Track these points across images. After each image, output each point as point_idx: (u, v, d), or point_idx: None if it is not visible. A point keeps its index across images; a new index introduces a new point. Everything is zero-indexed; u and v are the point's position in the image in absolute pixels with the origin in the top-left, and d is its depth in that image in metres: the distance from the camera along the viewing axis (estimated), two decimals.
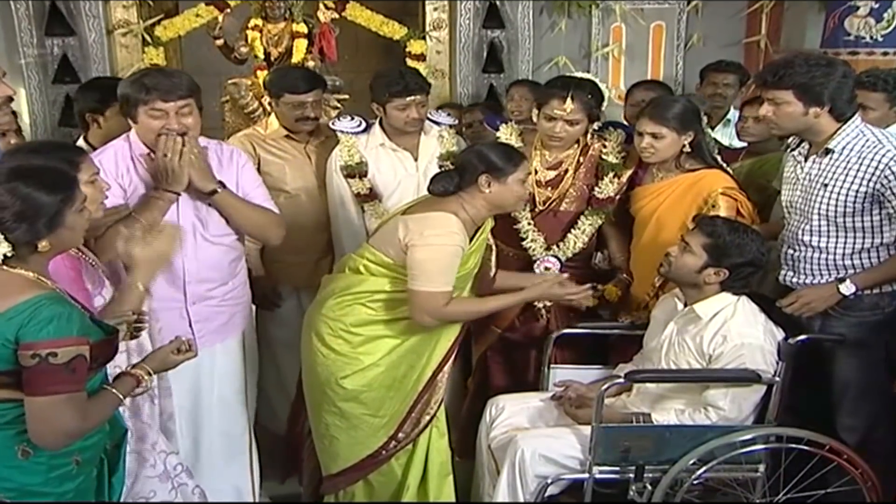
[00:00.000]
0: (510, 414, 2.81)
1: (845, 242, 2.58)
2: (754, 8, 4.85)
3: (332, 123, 3.32)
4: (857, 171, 2.49)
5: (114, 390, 1.89)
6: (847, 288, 2.56)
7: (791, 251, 2.70)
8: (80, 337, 1.73)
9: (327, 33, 4.49)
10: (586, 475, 2.54)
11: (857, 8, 4.21)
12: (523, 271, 3.00)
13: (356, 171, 3.20)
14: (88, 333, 1.77)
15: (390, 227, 2.58)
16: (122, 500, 2.08)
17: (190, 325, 2.65)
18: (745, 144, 3.47)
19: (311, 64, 4.39)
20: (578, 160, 3.03)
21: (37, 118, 4.35)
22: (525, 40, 4.65)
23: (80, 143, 2.98)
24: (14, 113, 2.98)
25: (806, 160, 2.64)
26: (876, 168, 2.46)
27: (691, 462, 2.51)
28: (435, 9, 4.63)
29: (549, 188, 3.03)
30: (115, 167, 2.55)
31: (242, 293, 2.83)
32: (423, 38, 4.63)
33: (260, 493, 2.99)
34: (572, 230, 3.03)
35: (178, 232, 2.26)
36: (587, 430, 2.54)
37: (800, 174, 2.66)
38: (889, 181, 2.45)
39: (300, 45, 4.42)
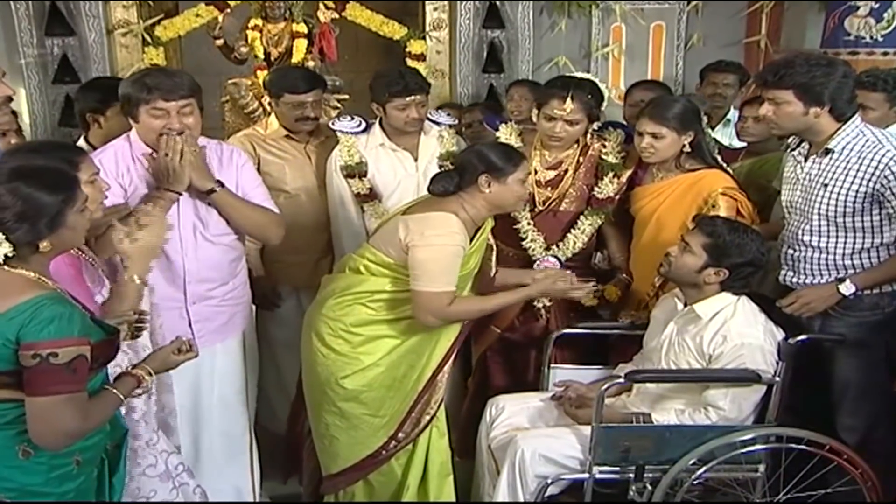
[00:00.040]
0: (510, 414, 2.81)
1: (845, 242, 2.58)
2: (754, 8, 4.86)
3: (332, 123, 3.32)
4: (857, 171, 2.49)
5: (114, 390, 1.89)
6: (847, 288, 2.56)
7: (791, 251, 2.70)
8: (81, 337, 1.73)
9: (327, 33, 4.49)
10: (586, 475, 2.54)
11: (857, 8, 4.21)
12: None
13: (356, 171, 3.20)
14: (89, 333, 1.77)
15: (391, 227, 2.58)
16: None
17: (190, 325, 2.65)
18: (744, 144, 3.47)
19: (311, 64, 4.39)
20: (578, 160, 3.03)
21: (37, 118, 4.36)
22: (525, 40, 4.66)
23: (81, 143, 2.98)
24: (14, 113, 2.98)
25: (806, 160, 2.64)
26: (876, 168, 2.46)
27: (691, 462, 2.51)
28: (435, 9, 4.63)
29: (549, 188, 3.03)
30: (116, 166, 2.55)
31: (243, 293, 2.83)
32: (423, 38, 4.64)
33: (260, 493, 2.99)
34: (572, 230, 3.03)
35: (165, 221, 2.25)
36: (587, 430, 2.54)
37: (800, 174, 2.66)
38: (889, 181, 2.45)
39: (300, 45, 4.43)
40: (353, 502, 2.79)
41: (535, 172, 2.98)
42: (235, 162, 2.75)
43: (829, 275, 2.62)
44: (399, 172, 3.24)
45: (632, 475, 2.55)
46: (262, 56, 4.43)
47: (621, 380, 2.61)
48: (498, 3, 4.59)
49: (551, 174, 3.03)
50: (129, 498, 2.19)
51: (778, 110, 2.54)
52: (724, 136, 3.80)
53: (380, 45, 5.43)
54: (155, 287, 2.51)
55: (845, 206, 2.53)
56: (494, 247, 2.80)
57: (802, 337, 2.56)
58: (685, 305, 2.65)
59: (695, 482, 2.55)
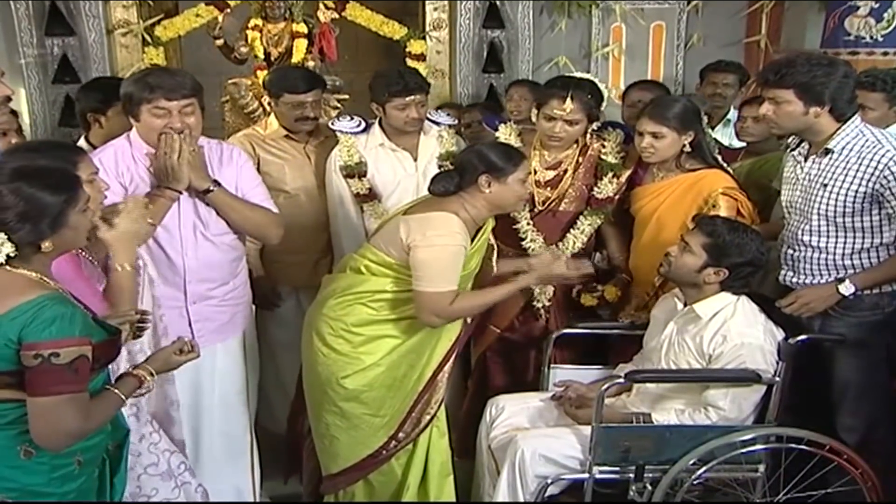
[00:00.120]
0: (510, 414, 2.81)
1: (845, 242, 2.58)
2: (754, 8, 4.86)
3: (332, 123, 3.33)
4: (857, 171, 2.49)
5: (116, 391, 1.89)
6: (846, 288, 2.56)
7: (791, 251, 2.70)
8: (83, 337, 1.73)
9: (327, 33, 4.49)
10: (586, 475, 2.54)
11: (857, 8, 4.21)
12: None
13: (355, 171, 3.20)
14: (91, 334, 1.77)
15: (392, 227, 2.58)
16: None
17: (190, 325, 2.65)
18: (743, 144, 3.47)
19: (311, 64, 4.39)
20: (577, 160, 3.03)
21: (37, 118, 4.36)
22: (525, 40, 4.66)
23: (82, 143, 2.99)
24: (14, 112, 2.98)
25: (806, 160, 2.64)
26: (875, 168, 2.46)
27: (691, 462, 2.51)
28: (435, 9, 4.63)
29: (549, 188, 3.03)
30: (116, 165, 2.55)
31: (243, 293, 2.83)
32: (423, 38, 4.64)
33: (260, 493, 2.99)
34: (571, 230, 3.03)
35: (139, 204, 2.24)
36: (587, 430, 2.54)
37: (799, 174, 2.66)
38: (889, 181, 2.45)
39: (300, 45, 4.43)
40: (354, 502, 2.79)
41: (535, 172, 2.98)
42: (235, 161, 2.75)
43: (829, 275, 2.62)
44: (399, 172, 3.24)
45: (632, 475, 2.56)
46: (262, 56, 4.43)
47: (621, 380, 2.61)
48: (498, 3, 4.59)
49: (551, 174, 3.03)
50: (130, 497, 2.19)
51: (778, 110, 2.54)
52: (724, 136, 3.80)
53: (380, 45, 5.44)
54: (155, 285, 2.51)
55: (845, 206, 2.53)
56: (495, 246, 2.80)
57: (802, 337, 2.56)
58: (685, 305, 2.65)
59: (695, 482, 2.55)
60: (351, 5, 4.54)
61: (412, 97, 3.12)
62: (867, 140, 2.51)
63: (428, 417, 2.72)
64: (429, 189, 2.58)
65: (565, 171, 3.02)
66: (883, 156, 2.46)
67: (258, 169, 3.07)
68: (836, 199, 2.53)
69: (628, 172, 3.05)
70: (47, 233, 1.75)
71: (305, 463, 2.97)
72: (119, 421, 2.05)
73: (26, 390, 1.71)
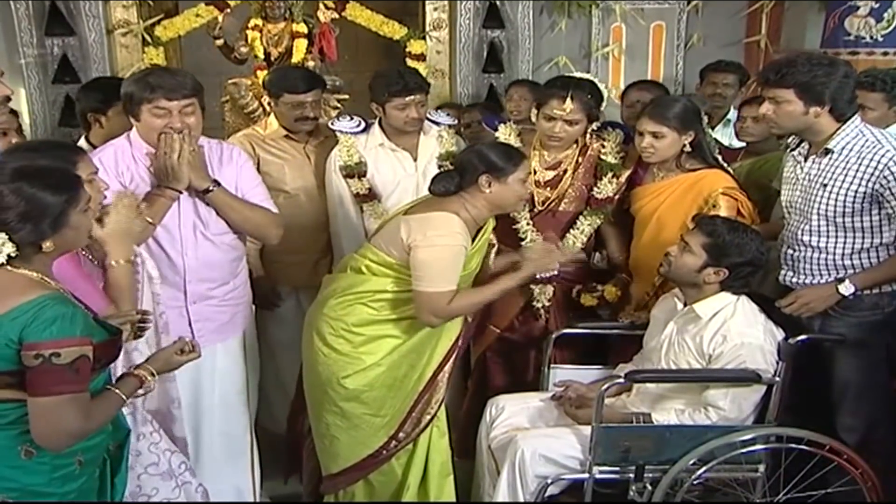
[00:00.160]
0: (510, 414, 2.81)
1: (845, 242, 2.59)
2: (754, 8, 4.86)
3: (332, 123, 3.33)
4: (857, 171, 2.49)
5: (117, 391, 1.89)
6: (846, 288, 2.56)
7: (791, 251, 2.70)
8: (84, 337, 1.73)
9: (327, 33, 4.49)
10: (586, 475, 2.54)
11: (857, 8, 4.21)
12: None
13: (355, 171, 3.20)
14: (92, 334, 1.77)
15: (392, 227, 2.58)
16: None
17: (190, 325, 2.65)
18: (743, 144, 3.47)
19: (311, 64, 4.39)
20: (577, 160, 3.03)
21: (37, 118, 4.36)
22: (525, 40, 4.66)
23: (82, 143, 2.99)
24: (15, 112, 2.98)
25: (805, 160, 2.64)
26: (875, 168, 2.46)
27: (691, 462, 2.51)
28: (435, 9, 4.63)
29: (548, 188, 3.03)
30: (116, 165, 2.56)
31: (243, 293, 2.83)
32: (423, 38, 4.64)
33: (260, 493, 2.99)
34: (571, 230, 3.03)
35: (129, 199, 2.24)
36: (587, 430, 2.54)
37: (799, 174, 2.66)
38: (888, 181, 2.45)
39: (300, 45, 4.42)
40: (354, 502, 2.79)
41: (535, 173, 2.98)
42: (235, 161, 2.75)
43: (829, 275, 2.62)
44: (398, 172, 3.24)
45: (632, 475, 2.56)
46: (262, 56, 4.43)
47: (621, 380, 2.61)
48: (498, 3, 4.59)
49: (550, 174, 3.03)
50: (129, 497, 2.19)
51: (778, 109, 2.54)
52: (724, 136, 3.80)
53: (380, 45, 5.44)
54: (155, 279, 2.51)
55: (845, 206, 2.53)
56: (496, 243, 2.79)
57: (802, 337, 2.56)
58: (685, 305, 2.65)
59: (695, 482, 2.55)
60: (351, 5, 4.54)
61: (412, 97, 3.12)
62: (867, 140, 2.51)
63: (428, 417, 2.72)
64: (429, 189, 2.58)
65: (565, 172, 3.02)
66: (883, 156, 2.46)
67: (258, 169, 3.07)
68: (836, 199, 2.53)
69: (628, 172, 3.05)
70: (48, 233, 1.75)
71: (305, 463, 2.97)
72: (120, 421, 2.05)
73: (27, 390, 1.71)
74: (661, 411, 2.60)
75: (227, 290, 2.73)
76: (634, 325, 2.93)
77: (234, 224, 2.68)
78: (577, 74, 3.28)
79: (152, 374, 1.98)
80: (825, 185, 2.55)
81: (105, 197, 2.21)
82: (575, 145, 3.02)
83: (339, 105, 4.42)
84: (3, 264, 1.73)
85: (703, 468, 2.52)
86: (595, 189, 3.01)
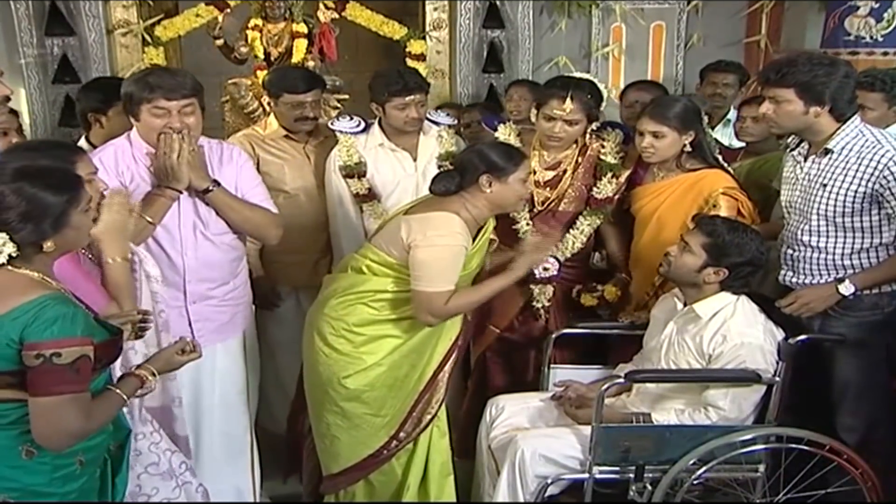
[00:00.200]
0: (510, 414, 2.81)
1: (844, 242, 2.59)
2: (754, 8, 4.86)
3: (332, 123, 3.33)
4: (857, 171, 2.49)
5: (118, 391, 1.89)
6: (846, 288, 2.56)
7: (790, 251, 2.70)
8: (85, 337, 1.73)
9: (327, 33, 4.49)
10: (586, 475, 2.54)
11: (857, 8, 4.21)
12: None
13: (355, 171, 3.20)
14: (93, 334, 1.77)
15: (393, 226, 2.58)
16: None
17: (189, 325, 2.65)
18: (743, 144, 3.47)
19: (311, 64, 4.39)
20: (577, 160, 3.03)
21: (37, 118, 4.36)
22: (525, 40, 4.66)
23: (82, 142, 2.99)
24: (15, 112, 2.98)
25: (805, 160, 2.64)
26: (875, 168, 2.46)
27: (691, 462, 2.51)
28: (435, 9, 4.63)
29: (548, 188, 3.03)
30: (116, 164, 2.56)
31: (244, 293, 2.83)
32: (423, 38, 4.64)
33: (260, 493, 2.99)
34: (571, 230, 3.03)
35: (121, 196, 2.23)
36: (587, 430, 2.54)
37: (799, 174, 2.66)
38: (888, 181, 2.45)
39: (300, 45, 4.43)
40: (354, 502, 2.79)
41: (534, 173, 2.98)
42: (235, 161, 2.75)
43: (829, 275, 2.62)
44: (398, 172, 3.25)
45: (632, 475, 2.56)
46: (262, 56, 4.43)
47: (621, 380, 2.61)
48: (498, 3, 4.59)
49: (550, 174, 3.03)
50: (129, 497, 2.19)
51: (778, 109, 2.54)
52: (724, 136, 3.80)
53: (380, 45, 5.44)
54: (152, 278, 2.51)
55: (844, 206, 2.53)
56: (496, 241, 2.78)
57: (802, 337, 2.56)
58: (685, 305, 2.65)
59: (695, 482, 2.55)
60: (351, 5, 4.54)
61: (412, 97, 3.12)
62: (867, 140, 2.51)
63: (429, 417, 2.72)
64: (430, 189, 2.58)
65: (564, 172, 3.02)
66: (883, 156, 2.46)
67: (258, 169, 3.07)
68: (836, 199, 2.53)
69: (627, 172, 3.05)
70: (49, 233, 1.75)
71: (305, 462, 2.97)
72: (121, 421, 2.05)
73: (28, 390, 1.72)
74: (661, 411, 2.60)
75: (227, 290, 2.73)
76: (634, 325, 2.93)
77: (233, 224, 2.68)
78: (577, 74, 3.29)
79: (153, 374, 1.98)
80: (825, 185, 2.55)
81: (104, 197, 2.21)
82: (574, 145, 3.02)
83: (339, 105, 4.42)
84: (3, 264, 1.73)
85: (703, 468, 2.52)
86: (594, 189, 3.01)
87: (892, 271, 2.57)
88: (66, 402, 1.71)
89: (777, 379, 2.50)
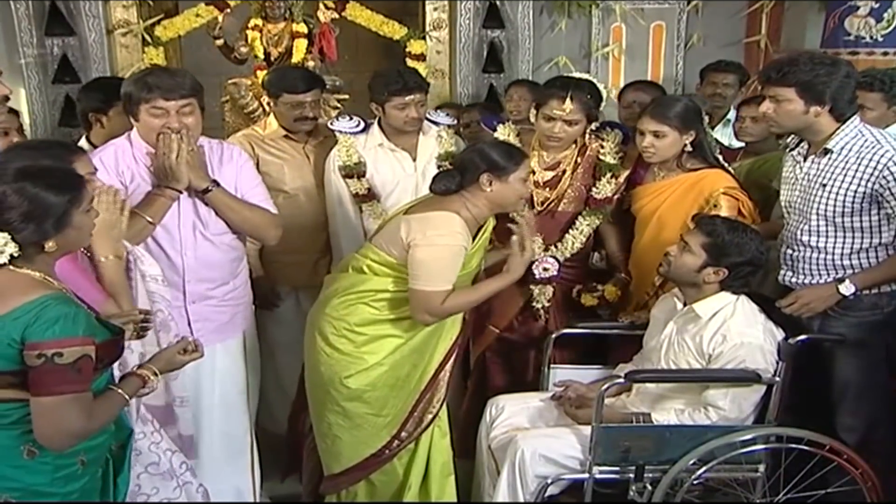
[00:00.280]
0: (510, 414, 2.81)
1: (844, 242, 2.59)
2: (754, 8, 4.86)
3: (331, 123, 3.33)
4: (856, 171, 2.49)
5: (119, 391, 1.89)
6: (847, 288, 2.56)
7: (790, 251, 2.70)
8: (86, 337, 1.73)
9: (327, 33, 4.49)
10: (586, 475, 2.54)
11: (857, 8, 4.21)
12: None
13: (354, 171, 3.20)
14: (94, 333, 1.77)
15: (393, 226, 2.58)
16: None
17: (189, 325, 2.65)
18: (742, 144, 3.47)
19: (311, 64, 4.40)
20: (576, 161, 3.03)
21: (37, 118, 4.36)
22: (525, 40, 4.66)
23: (83, 142, 3.00)
24: (16, 112, 2.98)
25: (805, 160, 2.64)
26: (875, 168, 2.46)
27: (691, 462, 2.52)
28: (435, 9, 4.64)
29: (547, 189, 3.03)
30: (116, 164, 2.56)
31: (244, 293, 2.83)
32: (423, 38, 4.64)
33: (260, 494, 2.99)
34: (570, 230, 3.03)
35: (112, 195, 2.23)
36: (587, 430, 2.54)
37: (798, 174, 2.66)
38: (888, 181, 2.45)
39: (300, 45, 4.43)
40: (356, 502, 2.79)
41: (534, 173, 2.97)
42: (235, 161, 2.75)
43: (828, 275, 2.62)
44: (398, 172, 3.24)
45: (632, 475, 2.56)
46: (262, 56, 4.44)
47: (621, 380, 2.61)
48: (498, 3, 4.60)
49: (549, 175, 3.03)
50: (129, 496, 2.19)
51: (778, 108, 2.55)
52: (724, 136, 3.80)
53: (380, 45, 5.44)
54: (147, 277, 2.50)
55: (844, 206, 2.53)
56: (493, 239, 2.78)
57: (802, 337, 2.56)
58: (685, 305, 2.65)
59: (695, 482, 2.55)
60: (351, 5, 4.54)
61: (412, 96, 3.12)
62: (866, 140, 2.51)
63: (430, 416, 2.72)
64: (430, 188, 2.58)
65: (564, 172, 3.02)
66: (882, 156, 2.46)
67: (257, 169, 3.07)
68: (836, 199, 2.53)
69: (626, 173, 3.05)
70: (51, 233, 1.75)
71: (305, 462, 2.97)
72: (122, 421, 2.05)
73: (30, 390, 1.72)
74: (661, 411, 2.60)
75: (227, 290, 2.73)
76: (634, 325, 2.93)
77: (232, 224, 2.68)
78: (577, 75, 3.28)
79: (155, 374, 1.98)
80: (824, 185, 2.55)
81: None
82: (574, 145, 3.02)
83: (338, 105, 4.43)
84: (5, 264, 1.73)
85: (703, 468, 2.52)
86: (594, 189, 3.01)
87: (891, 271, 2.57)
88: (67, 402, 1.71)
89: (777, 379, 2.50)
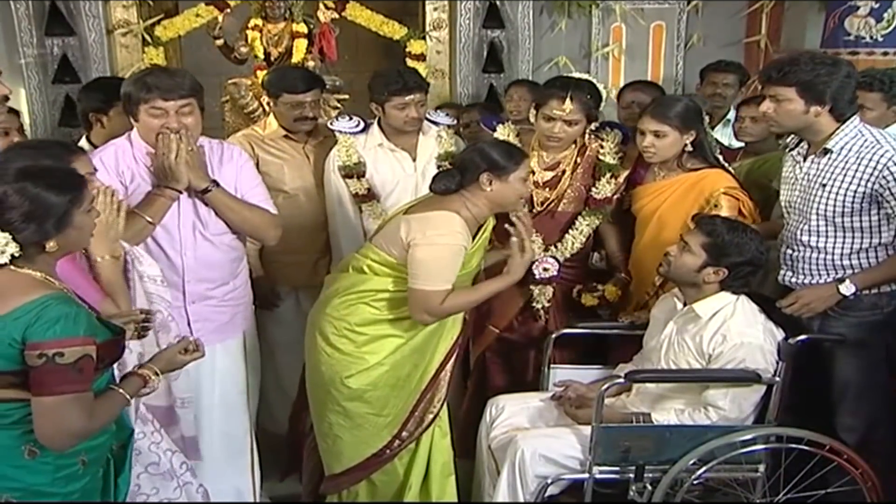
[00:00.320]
0: (510, 414, 2.81)
1: (843, 242, 2.59)
2: (754, 8, 4.86)
3: (331, 123, 3.33)
4: (856, 171, 2.49)
5: (120, 390, 1.89)
6: (847, 288, 2.56)
7: (790, 251, 2.70)
8: (87, 337, 1.73)
9: (327, 33, 4.49)
10: (586, 475, 2.54)
11: (857, 8, 4.21)
12: None
13: (354, 171, 3.20)
14: (95, 333, 1.77)
15: (393, 226, 2.58)
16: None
17: (189, 325, 2.65)
18: (742, 144, 3.47)
19: (311, 64, 4.39)
20: (576, 161, 3.03)
21: (37, 118, 4.36)
22: (525, 40, 4.66)
23: (83, 142, 3.00)
24: (16, 112, 2.98)
25: (804, 160, 2.64)
26: (874, 168, 2.47)
27: (691, 462, 2.52)
28: (435, 9, 4.63)
29: (547, 189, 3.03)
30: (116, 164, 2.56)
31: (244, 293, 2.83)
32: (423, 38, 4.64)
33: (260, 494, 2.99)
34: (570, 231, 3.03)
35: (108, 195, 2.24)
36: (587, 430, 2.54)
37: (798, 174, 2.66)
38: (888, 181, 2.45)
39: (300, 45, 4.43)
40: (357, 502, 2.78)
41: (533, 173, 2.97)
42: (235, 161, 2.75)
43: (828, 275, 2.62)
44: (397, 172, 3.24)
45: (632, 475, 2.56)
46: (262, 56, 4.44)
47: (621, 380, 2.61)
48: (498, 3, 4.59)
49: (549, 175, 3.03)
50: (129, 496, 2.19)
51: (779, 107, 2.55)
52: (724, 136, 3.80)
53: (380, 45, 5.44)
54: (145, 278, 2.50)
55: (844, 206, 2.53)
56: (493, 239, 2.78)
57: (802, 337, 2.56)
58: (685, 305, 2.65)
59: (695, 482, 2.55)
60: (351, 5, 4.54)
61: (411, 96, 3.12)
62: (866, 140, 2.51)
63: (431, 416, 2.72)
64: (430, 188, 2.58)
65: (563, 172, 3.02)
66: (882, 156, 2.46)
67: (257, 169, 3.07)
68: (835, 199, 2.53)
69: (626, 173, 3.05)
70: (52, 233, 1.75)
71: (305, 462, 2.97)
72: (123, 421, 2.05)
73: (31, 390, 1.72)
74: (661, 411, 2.60)
75: (227, 290, 2.73)
76: (634, 325, 2.93)
77: (232, 224, 2.68)
78: (577, 75, 3.28)
79: (156, 374, 1.98)
80: (824, 185, 2.55)
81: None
82: (573, 146, 3.02)
83: (338, 105, 4.43)
84: (6, 264, 1.73)
85: (703, 468, 2.52)
86: (593, 189, 3.01)
87: (891, 271, 2.57)
88: (68, 402, 1.71)
89: (777, 379, 2.50)
